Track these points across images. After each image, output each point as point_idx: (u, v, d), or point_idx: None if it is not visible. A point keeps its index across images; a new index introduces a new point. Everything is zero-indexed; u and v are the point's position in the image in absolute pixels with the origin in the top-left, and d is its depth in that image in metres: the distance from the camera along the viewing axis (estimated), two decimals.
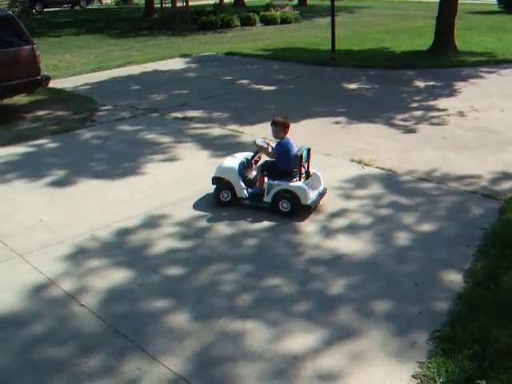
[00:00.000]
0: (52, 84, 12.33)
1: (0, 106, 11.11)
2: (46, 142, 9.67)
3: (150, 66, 16.33)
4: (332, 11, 16.54)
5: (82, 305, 5.05)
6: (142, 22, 28.16)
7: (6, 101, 11.59)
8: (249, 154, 7.19)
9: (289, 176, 6.72)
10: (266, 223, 6.54)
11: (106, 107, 11.83)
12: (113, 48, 20.40)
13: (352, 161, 8.31)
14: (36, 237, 6.32)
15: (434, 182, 7.57)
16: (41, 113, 11.61)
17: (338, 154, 8.62)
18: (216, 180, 7.03)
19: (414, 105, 11.50)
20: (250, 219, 6.62)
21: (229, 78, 14.57)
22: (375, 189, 7.39)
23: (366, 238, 6.13)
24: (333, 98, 12.28)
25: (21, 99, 12.55)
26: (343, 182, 7.58)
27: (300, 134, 9.56)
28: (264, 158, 7.14)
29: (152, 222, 6.61)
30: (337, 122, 10.36)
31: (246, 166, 7.07)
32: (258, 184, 6.99)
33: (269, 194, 6.70)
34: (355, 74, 14.56)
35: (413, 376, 4.12)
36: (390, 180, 7.65)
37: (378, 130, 9.89)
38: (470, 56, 16.34)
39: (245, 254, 5.91)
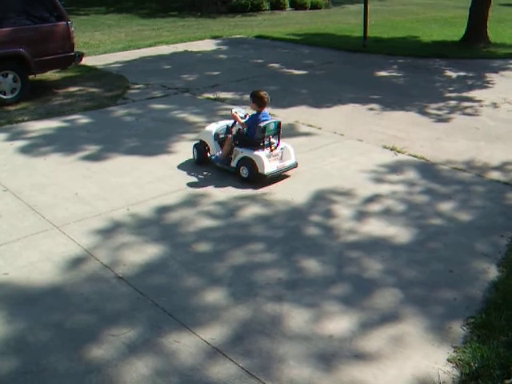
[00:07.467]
0: (83, 61, 12.34)
1: (33, 81, 11.20)
2: (78, 118, 9.76)
3: (180, 47, 16.33)
4: None
5: (120, 277, 5.13)
6: (171, 3, 28.08)
7: (39, 76, 11.69)
8: (230, 122, 7.72)
9: (255, 145, 7.21)
10: (301, 205, 6.58)
11: (137, 86, 11.87)
12: (142, 28, 20.40)
13: (384, 147, 8.31)
14: (72, 209, 6.40)
15: (467, 171, 7.55)
16: (73, 89, 11.70)
17: (370, 140, 8.62)
18: (199, 143, 7.79)
19: (446, 94, 11.42)
20: (284, 201, 6.66)
21: (260, 61, 14.54)
22: (408, 176, 7.39)
23: (400, 224, 6.15)
24: (364, 84, 12.22)
25: (53, 75, 12.67)
26: (376, 168, 7.58)
27: (333, 120, 9.63)
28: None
29: (187, 200, 6.68)
30: (369, 109, 10.34)
31: (225, 131, 7.69)
32: (223, 148, 7.49)
33: (234, 159, 7.28)
34: (386, 62, 14.46)
35: (448, 360, 4.15)
36: (423, 168, 7.64)
37: (410, 117, 9.85)
38: (502, 48, 16.14)
39: (279, 234, 5.94)
